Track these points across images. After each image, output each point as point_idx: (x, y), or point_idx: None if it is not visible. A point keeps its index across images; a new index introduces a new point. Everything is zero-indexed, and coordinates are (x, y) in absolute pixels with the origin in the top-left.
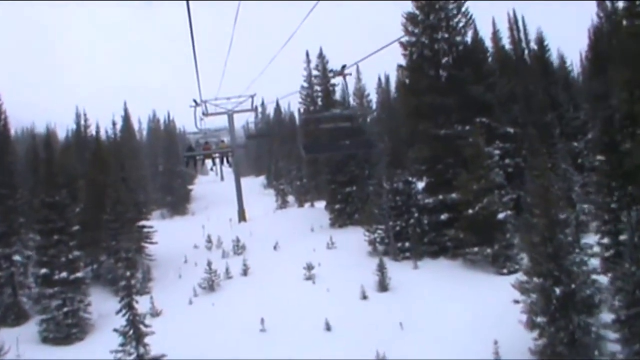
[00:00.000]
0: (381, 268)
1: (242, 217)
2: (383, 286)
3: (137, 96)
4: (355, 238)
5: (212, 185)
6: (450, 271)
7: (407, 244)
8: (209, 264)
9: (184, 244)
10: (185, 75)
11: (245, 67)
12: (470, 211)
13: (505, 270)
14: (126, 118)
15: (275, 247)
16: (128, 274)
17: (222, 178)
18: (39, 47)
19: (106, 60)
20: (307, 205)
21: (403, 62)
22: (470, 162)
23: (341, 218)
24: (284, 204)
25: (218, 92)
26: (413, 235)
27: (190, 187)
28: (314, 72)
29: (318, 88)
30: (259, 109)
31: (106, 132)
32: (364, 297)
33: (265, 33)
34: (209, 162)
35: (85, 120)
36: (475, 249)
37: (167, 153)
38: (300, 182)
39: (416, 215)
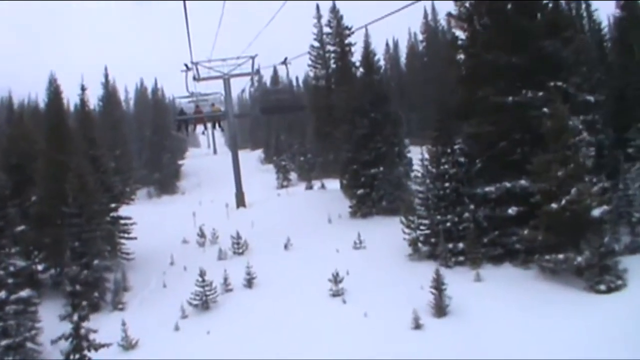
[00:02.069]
0: (438, 284)
1: (240, 202)
2: (440, 309)
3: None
4: (387, 233)
5: (205, 160)
6: (524, 285)
7: (460, 245)
8: (202, 273)
9: (171, 237)
10: (177, 40)
11: (244, 28)
12: (553, 205)
13: (602, 287)
14: (106, 85)
15: (286, 246)
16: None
17: (215, 151)
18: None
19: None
20: (316, 185)
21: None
22: (551, 139)
23: (365, 206)
24: (285, 183)
25: (212, 54)
26: (469, 234)
27: (180, 162)
28: (326, 30)
29: (331, 48)
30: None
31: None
32: (417, 326)
33: None
34: (199, 128)
35: (57, 88)
36: (560, 255)
37: (155, 124)
38: (304, 157)
39: (472, 207)
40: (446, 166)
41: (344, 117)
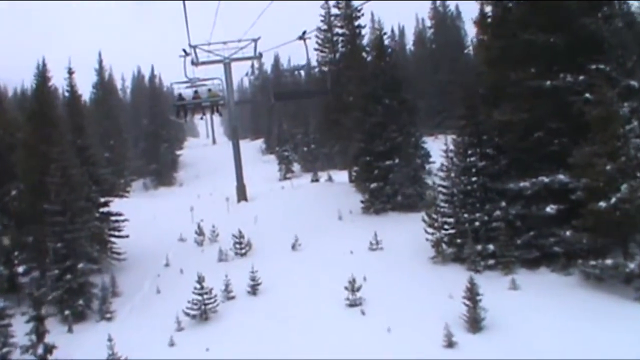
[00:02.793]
0: (472, 294)
1: (242, 195)
2: (475, 323)
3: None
4: (405, 232)
5: (204, 150)
6: (566, 294)
7: (490, 247)
8: (201, 279)
9: (166, 234)
10: (176, 27)
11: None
12: (602, 204)
13: None
14: (100, 71)
15: (294, 246)
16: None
17: (214, 141)
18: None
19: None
20: (322, 178)
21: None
22: (597, 128)
23: (379, 201)
24: (289, 174)
25: (211, 36)
26: (501, 235)
27: (178, 152)
28: (334, 11)
29: (339, 31)
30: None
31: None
32: (449, 344)
33: None
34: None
35: (43, 72)
36: (608, 260)
37: (152, 113)
38: (307, 148)
39: (503, 205)
40: (473, 158)
41: (354, 104)
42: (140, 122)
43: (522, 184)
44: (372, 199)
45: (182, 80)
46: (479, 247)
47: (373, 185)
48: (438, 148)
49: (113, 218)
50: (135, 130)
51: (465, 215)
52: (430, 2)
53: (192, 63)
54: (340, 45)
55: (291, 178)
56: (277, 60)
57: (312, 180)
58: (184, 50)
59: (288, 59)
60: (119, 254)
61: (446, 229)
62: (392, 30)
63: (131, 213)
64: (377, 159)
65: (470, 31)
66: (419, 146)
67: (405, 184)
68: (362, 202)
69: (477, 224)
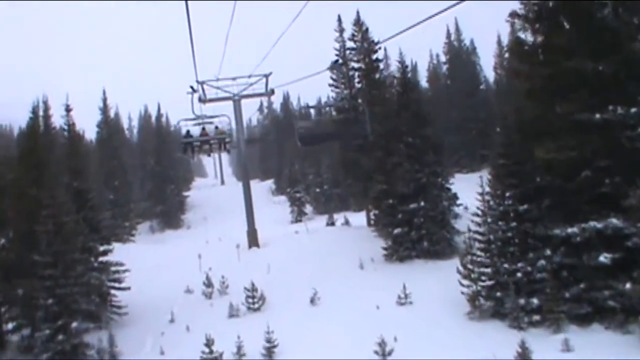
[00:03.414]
0: (524, 358)
1: (253, 241)
2: None
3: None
4: (434, 283)
5: (212, 191)
6: (627, 354)
7: (535, 301)
8: (209, 341)
9: (172, 285)
10: (184, 66)
11: (254, 48)
12: None
13: None
14: (104, 110)
15: (312, 300)
16: None
17: (222, 181)
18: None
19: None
20: (338, 220)
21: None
22: None
23: (403, 248)
24: (300, 217)
25: (219, 72)
26: (546, 288)
27: (185, 193)
28: (349, 44)
29: (355, 65)
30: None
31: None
32: None
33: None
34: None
35: (46, 111)
36: None
37: (158, 153)
38: (320, 188)
39: (548, 253)
40: (512, 201)
41: (375, 143)
42: (147, 162)
43: (569, 230)
44: (395, 246)
45: (189, 118)
46: (522, 301)
47: (397, 230)
48: (457, 187)
49: (113, 268)
50: (142, 171)
51: (505, 265)
52: (444, 36)
53: (200, 100)
54: (356, 80)
55: (303, 220)
56: (286, 98)
57: (328, 224)
58: (192, 87)
59: (298, 97)
60: (119, 307)
61: (483, 280)
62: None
63: (135, 261)
64: (401, 202)
65: (486, 66)
66: (445, 187)
67: (432, 228)
68: (384, 248)
69: (518, 275)
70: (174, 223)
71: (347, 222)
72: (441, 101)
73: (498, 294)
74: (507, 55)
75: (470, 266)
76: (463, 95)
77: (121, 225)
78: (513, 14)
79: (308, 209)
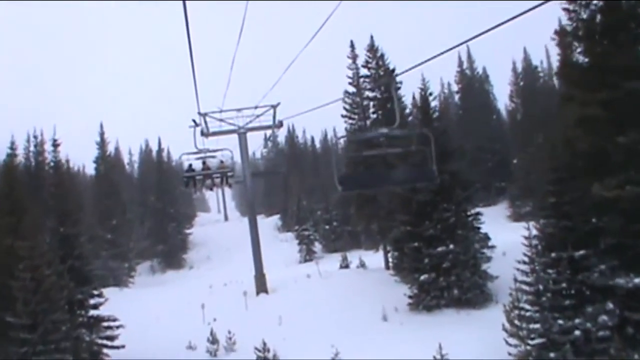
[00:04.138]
0: None
1: (261, 286)
2: None
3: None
4: (469, 338)
5: (215, 228)
6: None
7: None
8: None
9: (172, 340)
10: (186, 100)
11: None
12: None
13: None
14: (102, 145)
15: None
16: None
17: (226, 217)
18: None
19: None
20: (352, 261)
21: None
22: None
23: (430, 296)
24: (309, 256)
25: (223, 103)
26: (611, 348)
27: (188, 231)
28: (363, 71)
29: (369, 94)
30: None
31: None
32: None
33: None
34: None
35: (36, 146)
36: None
37: (159, 189)
38: (329, 226)
39: (611, 307)
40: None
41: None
42: (148, 198)
43: (636, 280)
44: (422, 294)
45: (191, 152)
46: None
47: (423, 276)
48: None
49: (105, 324)
50: (142, 208)
51: (560, 321)
52: (456, 64)
53: (202, 134)
54: (371, 110)
55: (313, 260)
56: (291, 131)
57: (342, 267)
58: (194, 121)
59: (303, 130)
60: None
61: (532, 338)
62: (413, 97)
63: (132, 309)
64: (427, 245)
65: (500, 95)
66: (475, 227)
67: (463, 274)
68: (409, 297)
69: (576, 332)
70: (175, 263)
71: (362, 265)
72: (453, 132)
73: (552, 354)
74: (522, 83)
75: (517, 322)
76: (477, 125)
77: (120, 266)
78: (561, 32)
79: (317, 247)
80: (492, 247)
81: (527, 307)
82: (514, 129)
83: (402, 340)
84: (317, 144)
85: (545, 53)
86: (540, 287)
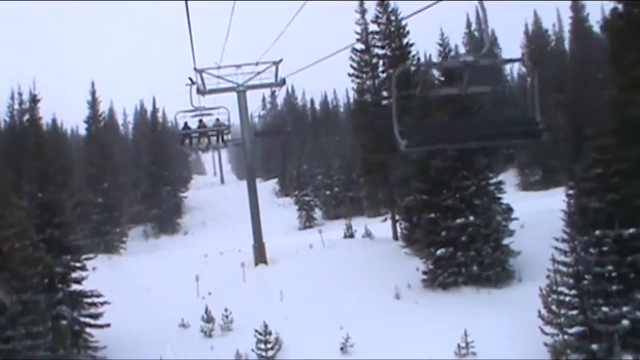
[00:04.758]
0: None
1: (260, 256)
2: None
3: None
4: (495, 321)
5: (211, 191)
6: None
7: None
8: None
9: (163, 316)
10: (183, 59)
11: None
12: None
13: None
14: (93, 104)
15: (343, 347)
16: None
17: (222, 180)
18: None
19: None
20: (357, 229)
21: None
22: None
23: (447, 272)
24: (309, 222)
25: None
26: None
27: (183, 194)
28: (372, 27)
29: (379, 52)
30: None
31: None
32: None
33: None
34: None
35: (21, 104)
36: None
37: (153, 151)
38: (330, 191)
39: None
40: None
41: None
42: (142, 161)
43: None
44: (437, 270)
45: (187, 110)
46: (630, 359)
47: (440, 251)
48: None
49: (88, 300)
50: (137, 171)
51: (604, 308)
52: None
53: (199, 92)
54: (380, 70)
55: (313, 226)
56: (290, 93)
57: (346, 236)
58: (190, 79)
59: (303, 92)
60: (94, 348)
61: (571, 325)
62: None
63: (120, 281)
64: (445, 216)
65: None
66: (497, 198)
67: (484, 249)
68: (424, 272)
69: (624, 322)
70: (169, 228)
71: (368, 235)
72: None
73: (594, 346)
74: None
75: (555, 308)
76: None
77: (111, 231)
78: None
79: (317, 213)
80: (515, 219)
81: (566, 290)
82: (523, 93)
83: (418, 322)
84: (317, 106)
85: (557, 17)
86: (581, 268)
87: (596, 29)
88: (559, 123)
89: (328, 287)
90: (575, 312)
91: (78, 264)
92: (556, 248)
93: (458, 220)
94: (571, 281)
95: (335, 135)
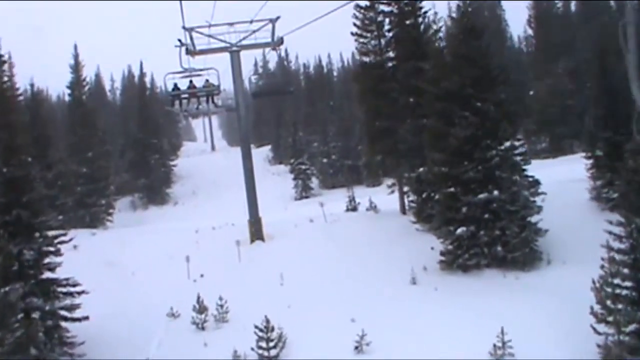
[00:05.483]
0: None
1: (257, 233)
2: None
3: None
4: (528, 310)
5: (202, 159)
6: None
7: None
8: None
9: (150, 304)
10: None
11: None
12: None
13: None
14: (76, 68)
15: (358, 346)
16: None
17: (212, 147)
18: None
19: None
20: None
21: None
22: None
23: (469, 253)
24: (306, 192)
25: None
26: None
27: (172, 162)
28: None
29: (385, 8)
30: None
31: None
32: None
33: None
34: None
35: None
36: None
37: (140, 118)
38: (327, 159)
39: None
40: None
41: (429, 109)
42: (130, 128)
43: None
44: (457, 250)
45: (176, 71)
46: None
47: (460, 229)
48: None
49: (63, 290)
50: (125, 138)
51: None
52: None
53: (188, 52)
54: (386, 28)
55: (309, 196)
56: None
57: (348, 209)
58: (179, 40)
59: (296, 56)
60: (72, 345)
61: (627, 323)
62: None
63: (103, 261)
64: (466, 190)
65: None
66: (522, 170)
67: (509, 228)
68: (441, 253)
69: None
70: (158, 198)
71: (374, 207)
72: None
73: None
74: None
75: (610, 304)
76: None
77: (97, 203)
78: None
79: (314, 182)
80: (542, 193)
81: (621, 283)
82: (530, 58)
83: (440, 312)
84: (312, 70)
85: None
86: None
87: None
88: (566, 88)
89: (334, 270)
90: (633, 307)
91: (51, 248)
92: (610, 232)
93: (481, 196)
94: (627, 271)
95: (330, 100)
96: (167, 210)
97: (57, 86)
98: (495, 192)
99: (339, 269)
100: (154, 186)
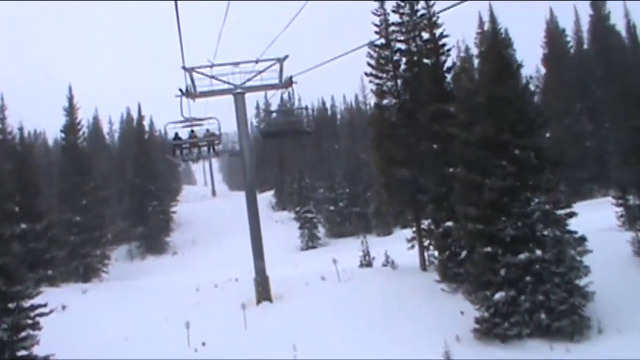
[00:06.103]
0: None
1: (264, 293)
2: None
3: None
4: None
5: (202, 205)
6: None
7: None
8: None
9: None
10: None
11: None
12: None
13: None
14: (71, 112)
15: None
16: None
17: (213, 192)
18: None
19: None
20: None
21: None
22: None
23: (509, 322)
24: (312, 242)
25: (215, 56)
26: None
27: (172, 209)
28: (393, 18)
29: (402, 47)
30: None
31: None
32: None
33: None
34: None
35: None
36: None
37: (138, 163)
38: (334, 207)
39: None
40: None
41: (460, 157)
42: (127, 173)
43: None
44: (495, 317)
45: (177, 120)
46: None
47: (499, 294)
48: None
49: None
50: (123, 184)
51: None
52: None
53: (188, 95)
54: (402, 68)
55: (317, 246)
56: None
57: (362, 264)
58: (180, 90)
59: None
60: None
61: None
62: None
63: (92, 322)
64: (504, 250)
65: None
66: (566, 226)
67: (555, 293)
68: (477, 321)
69: None
70: (157, 247)
71: (391, 263)
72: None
73: None
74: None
75: None
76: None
77: (91, 253)
78: None
79: (320, 230)
80: (589, 251)
81: None
82: (545, 98)
83: None
84: (315, 112)
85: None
86: None
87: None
88: (584, 130)
89: (352, 339)
90: None
91: (29, 321)
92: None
93: (521, 256)
94: None
95: (334, 144)
96: (165, 260)
97: (55, 129)
98: (538, 252)
99: (358, 337)
100: (152, 234)
